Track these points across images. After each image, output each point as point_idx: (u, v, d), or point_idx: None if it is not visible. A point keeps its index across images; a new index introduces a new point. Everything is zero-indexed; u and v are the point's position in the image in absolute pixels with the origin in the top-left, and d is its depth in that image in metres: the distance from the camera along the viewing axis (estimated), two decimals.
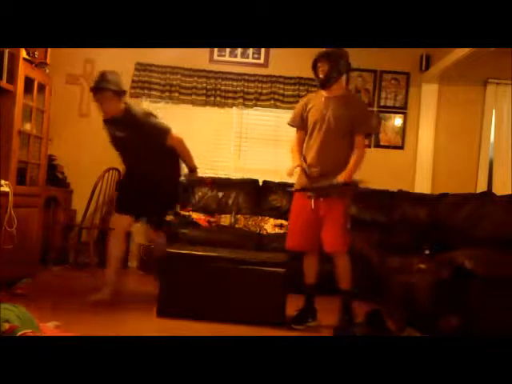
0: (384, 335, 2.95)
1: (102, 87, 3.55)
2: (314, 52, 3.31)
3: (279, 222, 4.94)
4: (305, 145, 3.44)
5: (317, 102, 3.41)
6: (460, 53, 4.47)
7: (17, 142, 3.78)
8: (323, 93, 3.38)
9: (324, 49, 3.26)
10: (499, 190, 5.05)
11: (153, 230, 3.99)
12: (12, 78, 3.67)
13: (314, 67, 3.32)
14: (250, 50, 5.52)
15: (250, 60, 5.52)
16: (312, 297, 3.43)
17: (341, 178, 3.21)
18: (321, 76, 3.30)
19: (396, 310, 3.29)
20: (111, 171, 4.98)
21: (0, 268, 3.52)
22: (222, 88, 5.41)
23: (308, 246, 3.36)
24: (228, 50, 5.50)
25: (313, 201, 3.26)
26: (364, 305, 3.46)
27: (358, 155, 3.27)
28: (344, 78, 3.42)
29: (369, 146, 5.34)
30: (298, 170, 3.39)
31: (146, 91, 5.40)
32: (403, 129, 5.50)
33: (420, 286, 2.98)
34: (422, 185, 5.41)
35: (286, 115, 5.51)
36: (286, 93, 5.40)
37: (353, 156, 3.27)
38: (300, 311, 3.40)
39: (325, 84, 3.32)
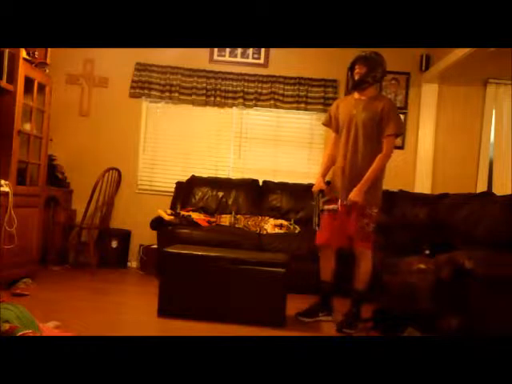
0: (387, 335, 2.96)
1: None
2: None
3: (279, 222, 4.93)
4: (336, 145, 3.48)
5: (347, 102, 3.45)
6: (460, 53, 4.47)
7: (17, 142, 3.78)
8: (355, 95, 3.42)
9: (364, 52, 3.30)
10: (499, 190, 5.05)
11: None
12: (12, 78, 3.67)
13: (351, 68, 3.35)
14: (250, 50, 5.51)
15: (250, 60, 5.52)
16: (328, 294, 3.49)
17: (363, 180, 3.24)
18: (356, 78, 3.32)
19: (396, 310, 3.29)
20: (111, 171, 4.98)
21: (0, 268, 3.52)
22: (222, 88, 5.41)
23: (330, 241, 3.39)
24: (228, 50, 5.50)
25: (339, 202, 3.34)
26: (365, 305, 3.47)
27: (382, 155, 3.28)
28: (377, 85, 3.46)
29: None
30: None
31: (146, 91, 5.40)
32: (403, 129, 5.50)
33: (420, 286, 2.97)
34: (422, 185, 5.41)
35: (286, 115, 5.53)
36: (286, 93, 5.40)
37: (378, 156, 3.28)
38: (312, 305, 3.48)
39: (357, 87, 3.35)
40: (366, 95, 3.35)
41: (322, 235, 3.42)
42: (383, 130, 3.28)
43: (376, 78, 3.32)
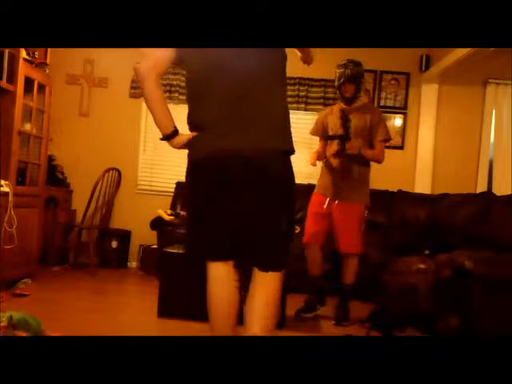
0: (386, 335, 2.96)
1: None
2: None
3: None
4: (324, 151, 3.59)
5: (336, 111, 3.53)
6: (460, 53, 4.47)
7: (17, 142, 3.78)
8: (342, 104, 3.53)
9: (349, 69, 3.40)
10: (499, 190, 5.05)
11: None
12: (12, 78, 3.68)
13: (340, 87, 3.46)
14: None
15: None
16: (320, 287, 3.56)
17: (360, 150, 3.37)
18: (347, 96, 3.45)
19: (396, 310, 3.29)
20: (111, 171, 4.98)
21: (0, 268, 3.52)
22: None
23: (316, 239, 3.49)
24: None
25: (327, 202, 3.43)
26: (364, 305, 3.47)
27: (377, 154, 3.44)
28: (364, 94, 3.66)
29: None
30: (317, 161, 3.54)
31: None
32: (403, 129, 5.50)
33: (420, 286, 2.98)
34: (422, 185, 5.40)
35: None
36: None
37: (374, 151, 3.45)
38: (307, 301, 3.55)
39: (351, 102, 3.47)
40: (354, 106, 3.48)
41: (308, 234, 3.52)
42: (374, 136, 3.44)
43: (361, 89, 3.51)
